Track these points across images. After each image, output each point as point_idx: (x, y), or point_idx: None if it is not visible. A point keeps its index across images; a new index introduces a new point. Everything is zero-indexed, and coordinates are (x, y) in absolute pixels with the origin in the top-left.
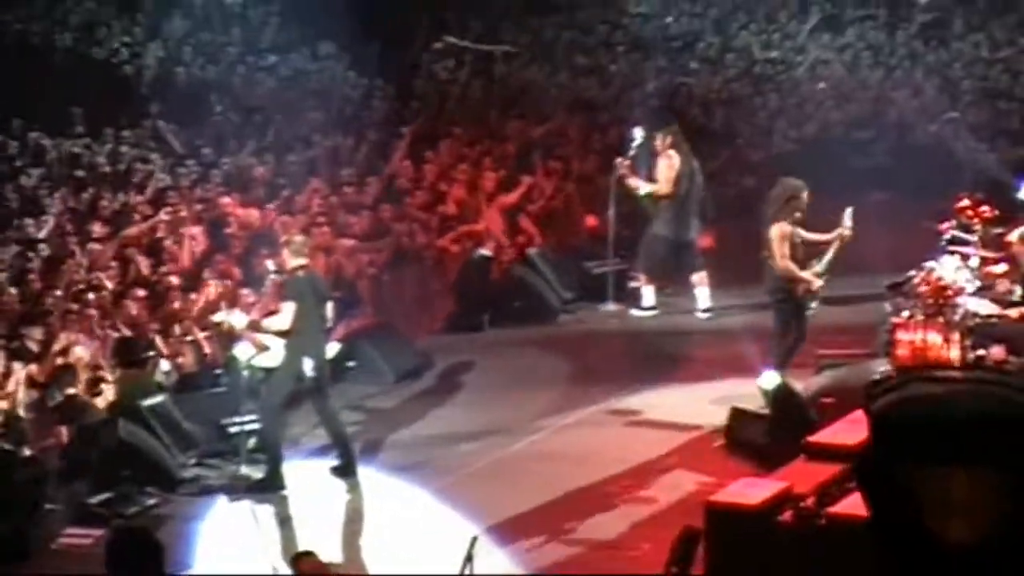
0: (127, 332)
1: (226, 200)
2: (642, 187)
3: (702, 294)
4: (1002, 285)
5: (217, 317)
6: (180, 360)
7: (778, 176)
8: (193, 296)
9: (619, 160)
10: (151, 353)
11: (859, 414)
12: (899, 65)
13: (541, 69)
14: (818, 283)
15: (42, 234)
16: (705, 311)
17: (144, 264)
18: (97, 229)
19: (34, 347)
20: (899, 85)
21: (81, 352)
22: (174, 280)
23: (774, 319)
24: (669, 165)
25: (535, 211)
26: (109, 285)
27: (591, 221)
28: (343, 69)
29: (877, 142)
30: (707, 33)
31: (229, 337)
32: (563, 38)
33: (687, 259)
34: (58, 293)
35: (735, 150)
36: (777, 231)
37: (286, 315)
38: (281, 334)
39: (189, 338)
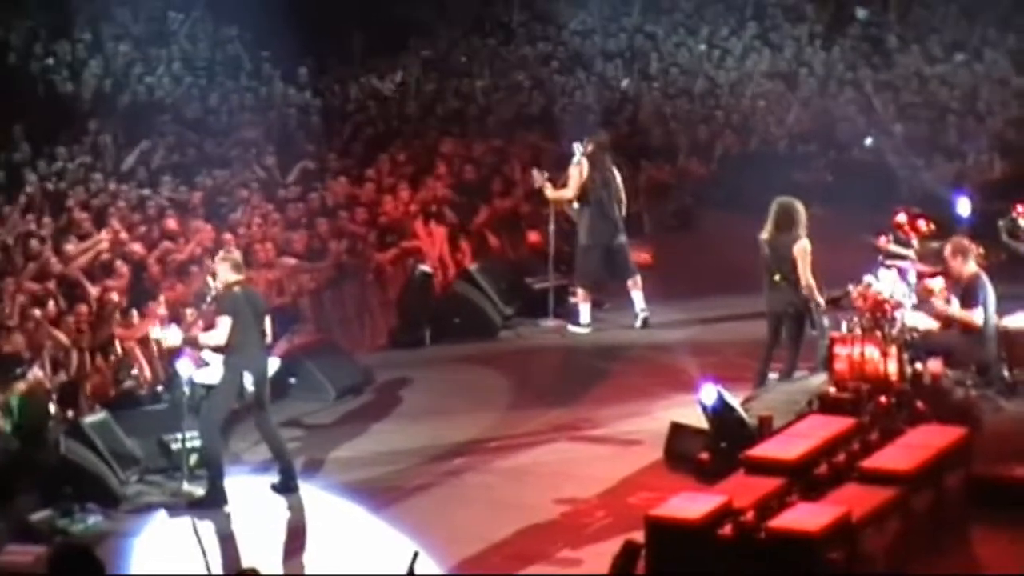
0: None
1: (169, 220)
2: (549, 191)
3: (637, 297)
4: (938, 299)
5: (153, 334)
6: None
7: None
8: (134, 313)
9: (535, 171)
10: (21, 370)
11: (797, 428)
12: (837, 80)
13: (482, 85)
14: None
15: None
16: (643, 313)
17: (87, 283)
18: (35, 245)
19: None
20: (837, 100)
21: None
22: (114, 297)
23: (787, 331)
24: (578, 171)
25: (476, 226)
26: (51, 304)
27: (533, 237)
28: (280, 86)
29: (816, 157)
30: (647, 49)
31: (168, 353)
32: (504, 55)
33: (620, 265)
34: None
35: (675, 166)
36: (802, 248)
37: (222, 330)
38: (219, 350)
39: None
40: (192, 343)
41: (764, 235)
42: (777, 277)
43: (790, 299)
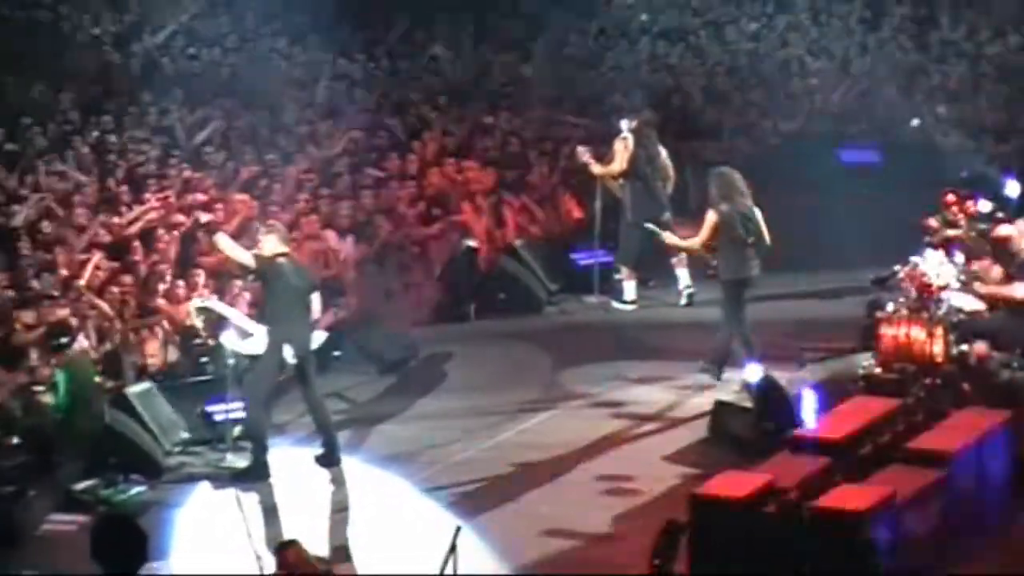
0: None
1: (202, 195)
2: (596, 167)
3: (682, 275)
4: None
5: (194, 304)
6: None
7: (760, 168)
8: (180, 284)
9: (580, 148)
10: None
11: (842, 408)
12: (886, 59)
13: (529, 60)
14: None
15: (17, 221)
16: (687, 290)
17: (137, 252)
18: (82, 215)
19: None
20: (885, 80)
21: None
22: (164, 268)
23: (741, 305)
24: (624, 147)
25: (522, 202)
26: (100, 273)
27: (578, 213)
28: (329, 57)
29: (863, 137)
30: (695, 27)
31: (213, 324)
32: (552, 29)
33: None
34: (49, 278)
35: (721, 144)
36: (709, 216)
37: (268, 302)
38: (263, 322)
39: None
40: (236, 314)
41: (724, 207)
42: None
43: (752, 265)
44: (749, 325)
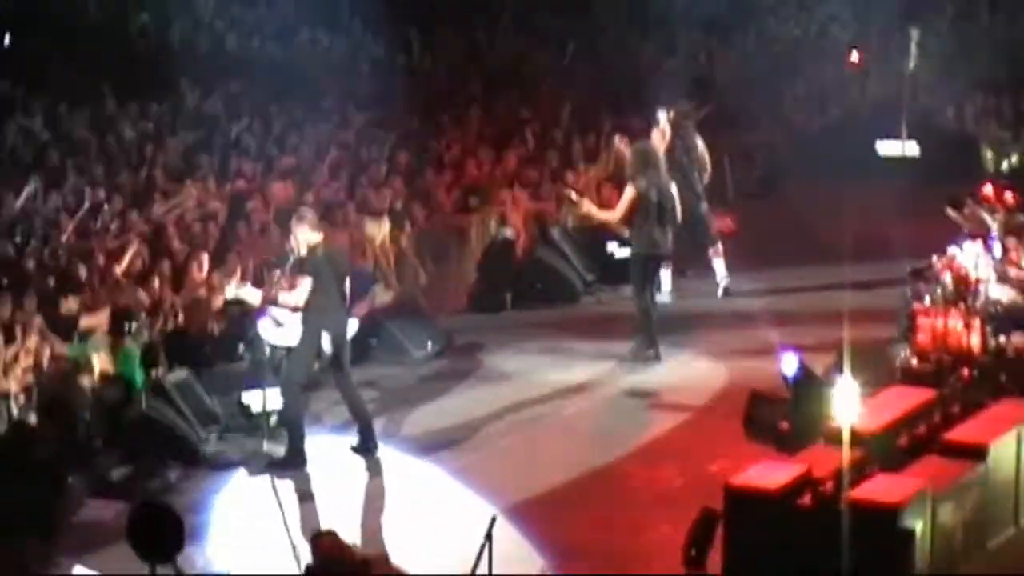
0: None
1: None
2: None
3: (719, 265)
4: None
5: (229, 292)
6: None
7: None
8: (216, 273)
9: (570, 191)
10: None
11: (878, 399)
12: (923, 50)
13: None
14: None
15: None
16: (724, 281)
17: (173, 240)
18: (118, 204)
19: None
20: (922, 70)
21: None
22: (202, 256)
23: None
24: (661, 137)
25: (558, 192)
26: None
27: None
28: (362, 45)
29: (900, 127)
30: (731, 15)
31: (249, 312)
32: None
33: (701, 233)
34: (86, 267)
35: (758, 132)
36: (628, 189)
37: (301, 291)
38: (299, 310)
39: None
40: (272, 302)
41: (641, 181)
42: None
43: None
44: (654, 303)
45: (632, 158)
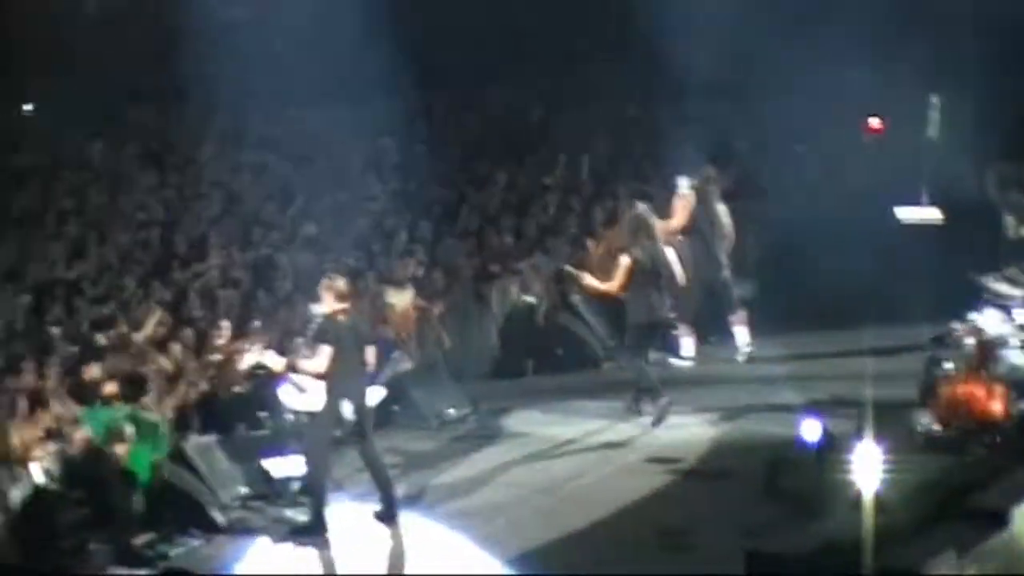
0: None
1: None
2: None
3: (740, 333)
4: None
5: (249, 359)
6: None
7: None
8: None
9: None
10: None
11: (899, 463)
12: (944, 116)
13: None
14: None
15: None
16: (746, 348)
17: (196, 308)
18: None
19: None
20: (943, 136)
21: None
22: (224, 324)
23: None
24: (683, 205)
25: (581, 259)
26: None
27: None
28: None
29: (920, 193)
30: (747, 83)
31: (271, 378)
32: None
33: (723, 300)
34: (110, 334)
35: (777, 198)
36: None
37: (321, 359)
38: (320, 377)
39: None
40: (292, 369)
41: (636, 251)
42: None
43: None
44: (651, 372)
45: (628, 227)
